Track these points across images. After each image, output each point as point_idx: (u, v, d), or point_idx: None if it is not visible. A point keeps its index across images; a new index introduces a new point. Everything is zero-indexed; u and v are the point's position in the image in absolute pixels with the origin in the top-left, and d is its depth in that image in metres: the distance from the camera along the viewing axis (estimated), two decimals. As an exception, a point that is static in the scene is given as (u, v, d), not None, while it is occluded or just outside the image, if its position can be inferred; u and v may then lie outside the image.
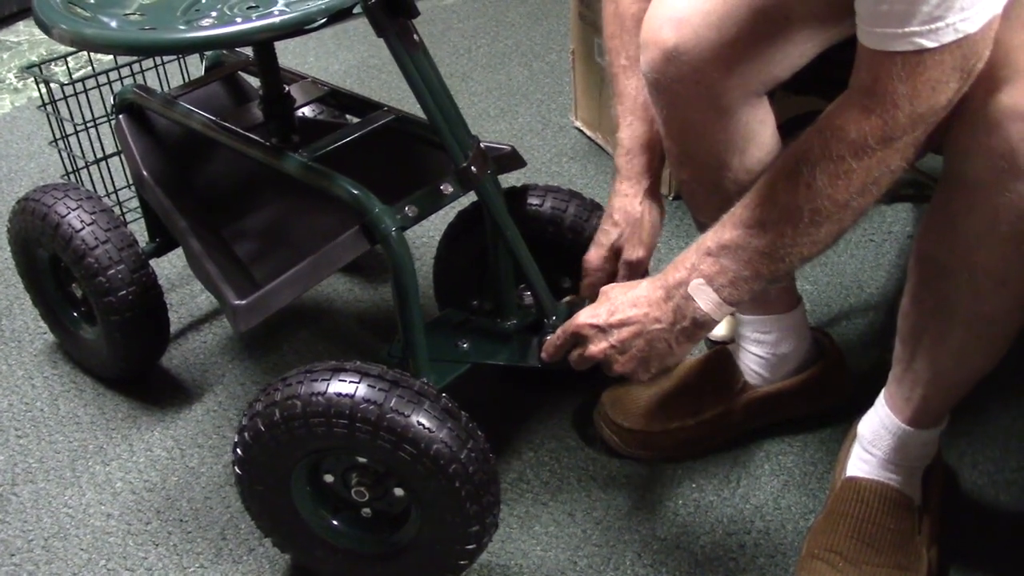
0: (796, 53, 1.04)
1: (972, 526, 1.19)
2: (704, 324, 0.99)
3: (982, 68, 0.83)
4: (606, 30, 1.19)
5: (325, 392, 0.99)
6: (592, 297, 1.12)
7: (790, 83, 1.08)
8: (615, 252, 1.18)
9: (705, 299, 0.97)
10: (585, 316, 1.05)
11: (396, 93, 2.17)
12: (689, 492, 1.25)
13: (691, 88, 1.04)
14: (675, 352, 1.02)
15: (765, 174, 0.94)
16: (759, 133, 1.09)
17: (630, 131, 1.16)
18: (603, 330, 1.03)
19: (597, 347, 1.04)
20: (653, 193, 1.18)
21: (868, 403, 1.16)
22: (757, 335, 1.26)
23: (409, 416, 0.98)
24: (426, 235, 1.72)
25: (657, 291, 1.00)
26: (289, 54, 2.39)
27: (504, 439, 1.33)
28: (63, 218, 1.29)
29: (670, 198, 1.77)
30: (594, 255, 1.19)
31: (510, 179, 1.38)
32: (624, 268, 1.18)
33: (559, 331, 1.10)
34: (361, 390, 0.98)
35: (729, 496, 1.25)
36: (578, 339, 1.07)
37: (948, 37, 0.78)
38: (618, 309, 1.02)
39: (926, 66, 0.80)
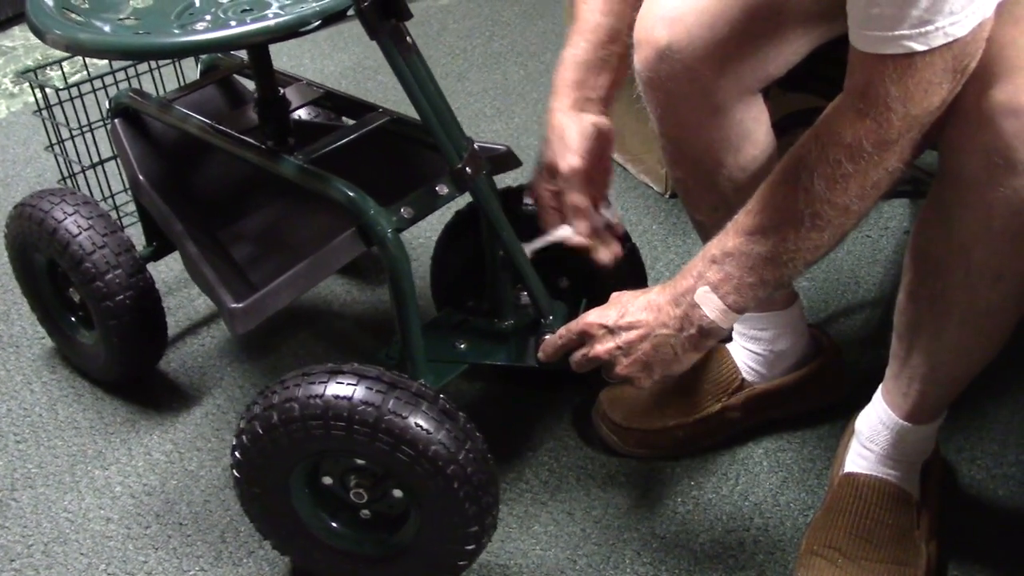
0: (789, 51, 1.04)
1: (970, 521, 1.19)
2: (711, 332, 0.99)
3: (975, 66, 0.83)
4: None
5: (323, 394, 0.99)
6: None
7: (784, 80, 1.08)
8: (551, 170, 1.15)
9: (711, 306, 0.97)
10: (594, 316, 1.05)
11: (392, 94, 2.17)
12: (688, 490, 1.26)
13: (685, 86, 1.04)
14: (680, 359, 1.02)
15: (766, 180, 0.94)
16: (753, 131, 1.09)
17: (572, 49, 1.13)
18: (611, 331, 1.04)
19: (603, 347, 1.04)
20: (587, 106, 1.14)
21: (866, 399, 1.16)
22: (754, 332, 1.26)
23: (407, 418, 0.98)
24: (423, 236, 1.72)
25: (666, 297, 1.01)
26: (285, 56, 2.39)
27: (502, 439, 1.33)
28: (60, 223, 1.29)
29: (666, 196, 1.78)
30: (534, 178, 1.17)
31: (507, 179, 1.37)
32: (561, 182, 1.14)
33: (563, 330, 1.10)
34: (359, 392, 0.99)
35: (728, 493, 1.25)
36: (584, 338, 1.07)
37: (938, 41, 0.78)
38: (628, 312, 1.03)
39: (917, 68, 0.80)
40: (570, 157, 1.12)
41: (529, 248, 1.17)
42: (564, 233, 1.15)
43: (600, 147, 1.15)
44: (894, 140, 0.85)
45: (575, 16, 1.14)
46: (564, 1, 1.88)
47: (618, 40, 1.12)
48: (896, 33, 0.79)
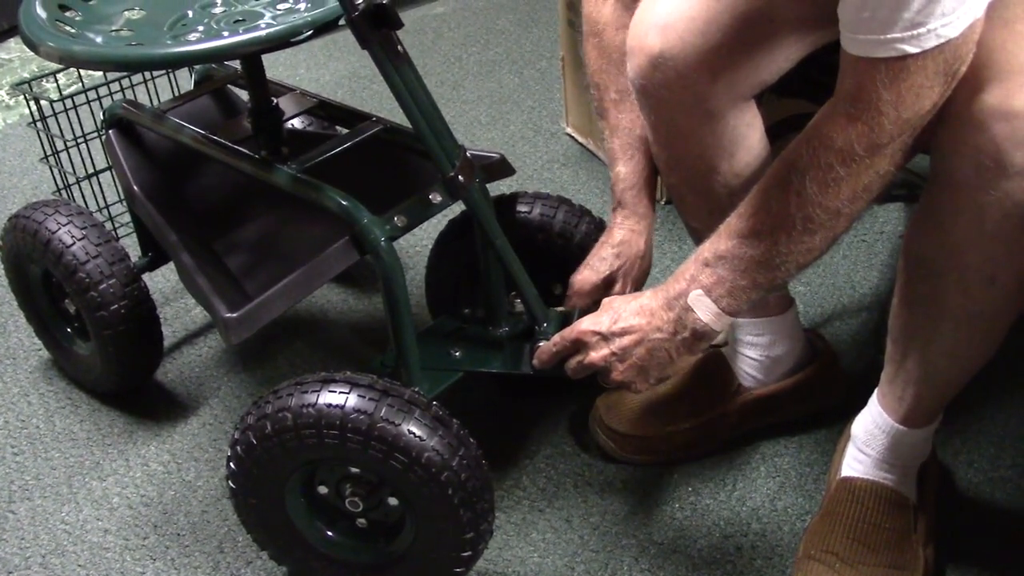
0: (782, 57, 1.04)
1: (968, 524, 1.19)
2: (704, 335, 0.99)
3: (965, 69, 0.83)
4: (591, 66, 1.19)
5: (315, 403, 0.99)
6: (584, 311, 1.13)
7: (777, 86, 1.08)
8: (608, 282, 1.18)
9: (704, 310, 0.97)
10: (588, 323, 1.05)
11: (387, 103, 2.16)
12: (685, 495, 1.25)
13: (678, 93, 1.04)
14: (674, 363, 1.03)
15: (758, 184, 0.94)
16: (747, 137, 1.09)
17: (632, 165, 1.16)
18: (605, 337, 1.04)
19: (598, 353, 1.04)
20: (651, 233, 1.19)
21: (862, 403, 1.16)
22: (750, 338, 1.26)
23: (400, 425, 0.98)
24: (419, 244, 1.72)
25: (659, 301, 1.01)
26: (280, 65, 2.40)
27: (499, 446, 1.33)
28: (54, 234, 1.30)
29: (662, 202, 1.78)
30: (587, 280, 1.17)
31: (502, 186, 1.38)
32: (610, 291, 1.18)
33: (557, 337, 1.10)
34: (351, 400, 0.99)
35: (725, 499, 1.25)
36: (579, 345, 1.07)
37: (930, 43, 0.79)
38: (621, 318, 1.03)
39: (909, 72, 0.81)
40: (631, 288, 1.18)
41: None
42: None
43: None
44: (885, 144, 0.85)
45: (610, 124, 1.17)
46: (559, 9, 1.88)
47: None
48: (888, 36, 0.79)
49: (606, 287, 1.18)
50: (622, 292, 1.17)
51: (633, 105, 1.13)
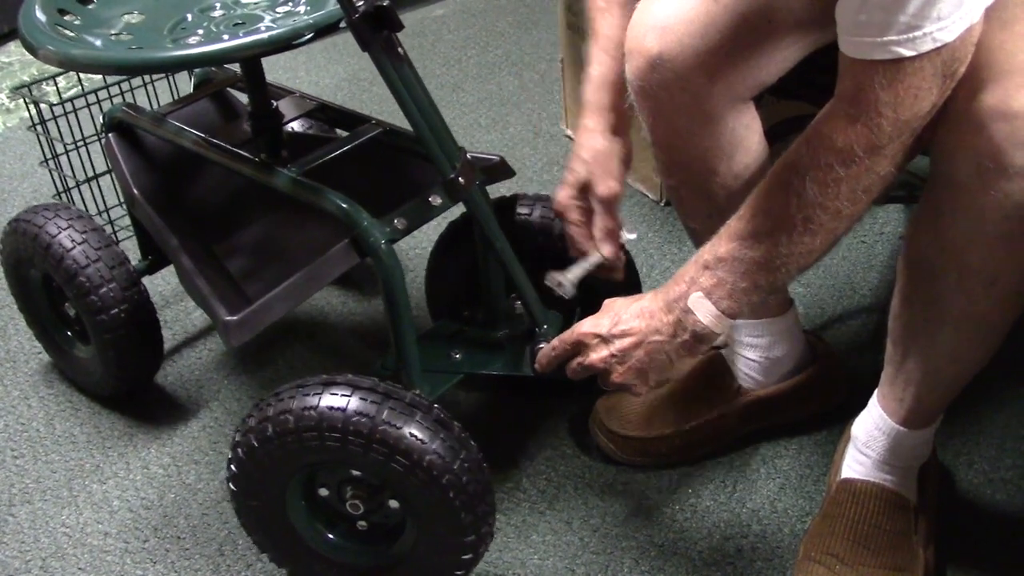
0: (780, 58, 1.04)
1: (968, 525, 1.19)
2: (704, 337, 0.99)
3: (963, 70, 0.83)
4: None
5: (317, 406, 0.99)
6: (574, 249, 1.11)
7: (776, 88, 1.08)
8: (583, 189, 1.15)
9: (704, 312, 0.97)
10: (588, 326, 1.05)
11: (388, 105, 2.15)
12: (686, 498, 1.25)
13: (676, 95, 1.04)
14: (674, 365, 1.02)
15: (758, 186, 0.94)
16: (746, 138, 1.09)
17: (600, 67, 1.14)
18: (605, 340, 1.03)
19: (598, 355, 1.04)
20: (619, 128, 1.15)
21: (862, 404, 1.16)
22: (750, 339, 1.26)
23: (401, 428, 0.98)
24: (419, 246, 1.72)
25: (659, 304, 1.00)
26: (280, 68, 2.40)
27: (500, 449, 1.33)
28: (54, 238, 1.30)
29: (661, 204, 1.78)
30: (562, 194, 1.16)
31: (502, 188, 1.38)
32: (597, 204, 1.15)
33: (557, 340, 1.10)
34: (353, 403, 0.99)
35: (726, 501, 1.25)
36: (579, 348, 1.07)
37: (926, 46, 0.79)
38: (621, 320, 1.03)
39: (906, 74, 0.81)
40: (611, 182, 1.13)
41: (568, 280, 1.15)
42: (597, 259, 1.15)
43: (626, 172, 1.16)
44: (885, 145, 0.85)
45: (593, 30, 1.15)
46: (558, 12, 1.88)
47: None
48: (885, 39, 0.79)
49: (584, 195, 1.15)
50: (602, 192, 1.13)
51: (618, 14, 1.11)
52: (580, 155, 1.14)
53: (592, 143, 1.14)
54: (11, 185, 2.00)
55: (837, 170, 0.87)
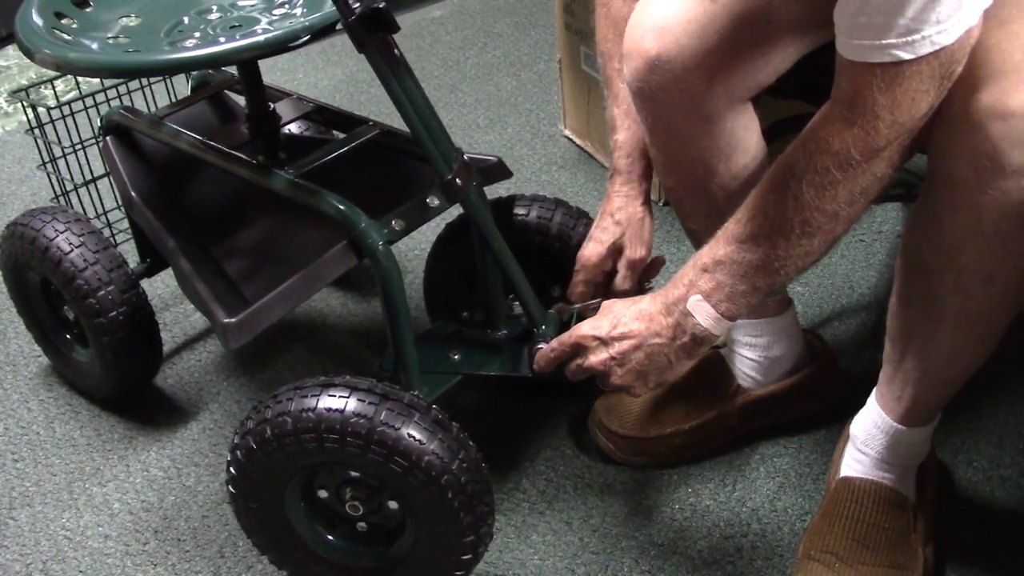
0: (778, 59, 1.05)
1: (967, 523, 1.19)
2: (703, 340, 0.99)
3: (960, 70, 0.83)
4: (599, 33, 1.19)
5: (315, 408, 0.99)
6: (581, 299, 1.13)
7: (774, 88, 1.08)
8: (614, 251, 1.18)
9: (703, 315, 0.97)
10: (587, 328, 1.05)
11: (384, 107, 2.17)
12: (685, 497, 1.26)
13: (675, 96, 1.04)
14: (673, 367, 1.03)
15: (755, 188, 0.94)
16: (744, 139, 1.09)
17: (626, 133, 1.16)
18: (605, 342, 1.04)
19: (597, 358, 1.04)
20: (649, 197, 1.19)
21: (861, 403, 1.16)
22: (749, 338, 1.26)
23: (399, 429, 0.98)
24: (417, 247, 1.72)
25: (658, 306, 1.01)
26: (278, 70, 2.40)
27: (499, 449, 1.33)
28: (52, 241, 1.30)
29: (660, 204, 1.78)
30: (593, 252, 1.18)
31: (500, 189, 1.38)
32: (626, 267, 1.18)
33: (556, 342, 1.10)
34: (351, 405, 0.99)
35: (725, 500, 1.25)
36: (578, 350, 1.07)
37: (925, 49, 0.79)
38: (620, 322, 1.03)
39: (904, 77, 0.81)
40: (642, 250, 1.18)
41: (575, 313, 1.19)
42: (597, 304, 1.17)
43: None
44: (882, 147, 0.85)
45: (613, 94, 1.18)
46: (556, 13, 1.88)
47: None
48: (883, 42, 0.79)
49: (613, 256, 1.18)
50: (632, 257, 1.18)
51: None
52: (615, 217, 1.18)
53: (629, 209, 1.17)
54: (9, 188, 2.00)
55: (834, 173, 0.87)
